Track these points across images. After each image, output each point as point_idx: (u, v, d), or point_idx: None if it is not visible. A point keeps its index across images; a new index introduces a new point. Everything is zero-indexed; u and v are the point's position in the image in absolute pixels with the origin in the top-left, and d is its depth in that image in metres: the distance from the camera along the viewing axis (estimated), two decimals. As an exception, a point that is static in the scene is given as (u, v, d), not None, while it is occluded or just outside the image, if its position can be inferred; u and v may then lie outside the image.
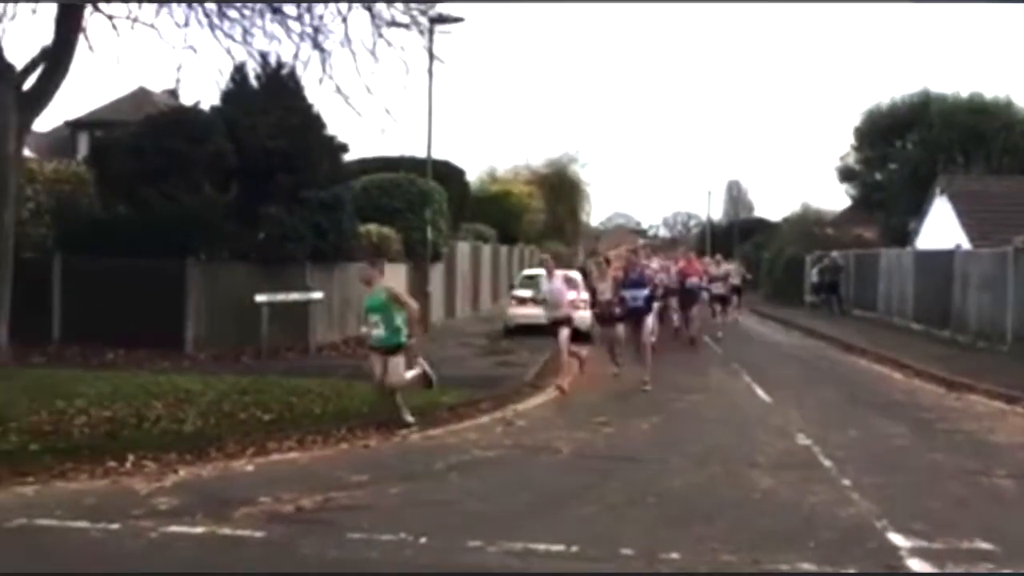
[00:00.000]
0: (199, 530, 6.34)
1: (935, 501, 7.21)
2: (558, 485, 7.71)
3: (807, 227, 39.66)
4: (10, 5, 12.06)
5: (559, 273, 13.75)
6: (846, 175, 41.57)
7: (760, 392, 13.11)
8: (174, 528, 6.37)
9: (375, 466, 8.29)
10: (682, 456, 8.80)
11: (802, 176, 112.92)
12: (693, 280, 19.98)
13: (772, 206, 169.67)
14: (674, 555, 5.79)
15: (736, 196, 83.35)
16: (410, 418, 9.93)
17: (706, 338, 20.11)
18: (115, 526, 6.40)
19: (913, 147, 37.05)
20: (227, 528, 6.38)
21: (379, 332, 9.91)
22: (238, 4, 12.44)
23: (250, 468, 8.30)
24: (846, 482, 7.75)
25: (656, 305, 16.15)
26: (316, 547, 6.00)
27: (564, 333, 13.07)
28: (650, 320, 14.41)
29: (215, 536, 6.23)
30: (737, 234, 54.19)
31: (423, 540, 6.08)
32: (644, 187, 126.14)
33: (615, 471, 8.20)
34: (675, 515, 6.79)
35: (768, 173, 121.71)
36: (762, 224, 55.83)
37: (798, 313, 29.17)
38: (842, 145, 49.00)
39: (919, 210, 28.53)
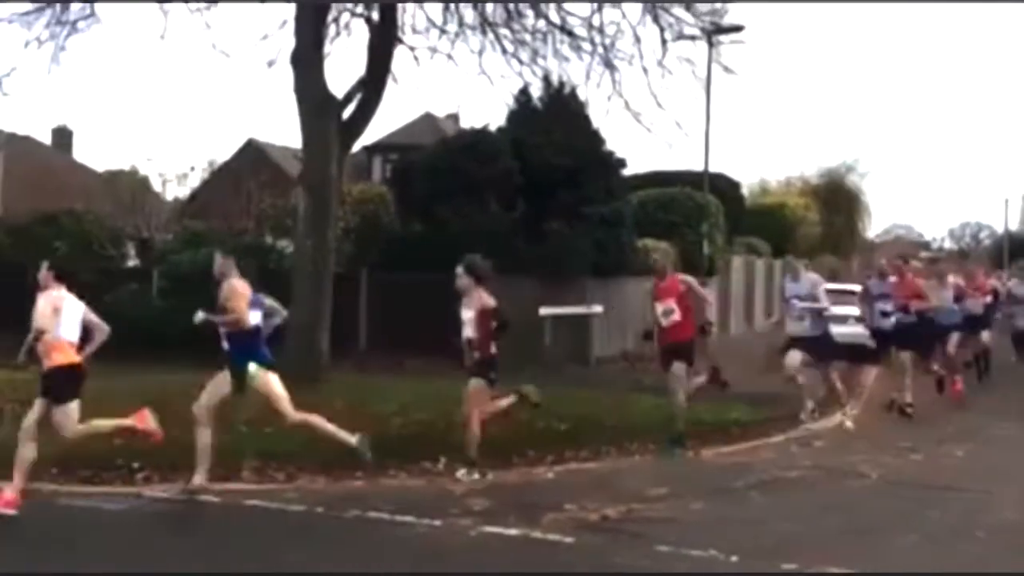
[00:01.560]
0: (513, 532, 6.63)
1: None
2: (871, 511, 7.34)
3: None
4: (328, 43, 13.38)
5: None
6: None
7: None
8: (490, 528, 6.71)
9: (672, 480, 8.28)
10: (1007, 487, 8.09)
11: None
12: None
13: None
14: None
15: (1037, 204, 75.52)
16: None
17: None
18: (437, 523, 6.85)
19: None
20: (538, 532, 6.62)
21: None
22: (530, 28, 12.96)
23: (551, 475, 8.58)
24: None
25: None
26: (627, 557, 6.10)
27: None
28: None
29: (528, 539, 6.50)
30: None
31: (734, 559, 5.99)
32: (928, 196, 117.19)
33: (931, 500, 7.68)
34: (1006, 549, 6.25)
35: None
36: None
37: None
38: None
39: None
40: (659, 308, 9.68)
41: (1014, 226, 66.31)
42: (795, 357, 10.67)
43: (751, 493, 7.91)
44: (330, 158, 12.15)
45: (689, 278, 10.27)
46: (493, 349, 8.53)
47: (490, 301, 8.47)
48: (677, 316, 9.53)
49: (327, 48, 13.11)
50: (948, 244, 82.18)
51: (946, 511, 7.31)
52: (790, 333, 11.03)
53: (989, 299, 15.88)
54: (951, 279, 14.14)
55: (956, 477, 8.52)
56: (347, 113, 12.67)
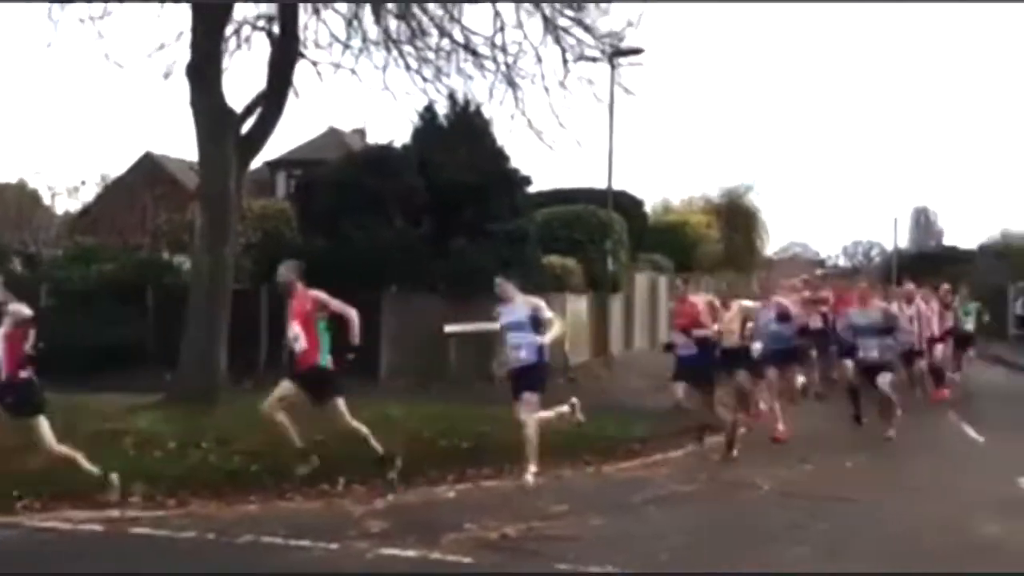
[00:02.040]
0: (410, 553, 6.54)
1: None
2: (764, 523, 7.50)
3: (1009, 256, 37.14)
4: (227, 56, 13.12)
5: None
6: (1052, 199, 38.67)
7: (969, 430, 12.30)
8: (387, 551, 6.60)
9: (573, 497, 8.32)
10: (895, 497, 8.38)
11: (1000, 200, 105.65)
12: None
13: (965, 233, 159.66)
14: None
15: (924, 223, 79.14)
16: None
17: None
18: (334, 546, 6.71)
19: None
20: (437, 553, 6.54)
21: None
22: (434, 46, 12.97)
23: (452, 494, 8.53)
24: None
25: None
26: (525, 576, 6.09)
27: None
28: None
29: (426, 560, 6.41)
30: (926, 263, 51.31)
31: (629, 570, 6.05)
32: (823, 215, 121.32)
33: (822, 510, 7.90)
34: (895, 558, 6.46)
35: (960, 198, 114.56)
36: (955, 253, 52.69)
37: (1003, 348, 27.20)
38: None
39: None
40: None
41: (903, 244, 69.42)
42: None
43: (649, 508, 8.00)
44: (228, 172, 11.88)
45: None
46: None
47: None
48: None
49: (226, 61, 12.85)
50: (842, 261, 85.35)
51: (836, 522, 7.51)
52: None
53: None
54: (777, 298, 12.20)
55: (847, 488, 8.79)
56: (246, 127, 12.42)
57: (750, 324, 11.58)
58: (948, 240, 68.81)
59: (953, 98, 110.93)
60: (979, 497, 8.35)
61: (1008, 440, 11.50)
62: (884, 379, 11.29)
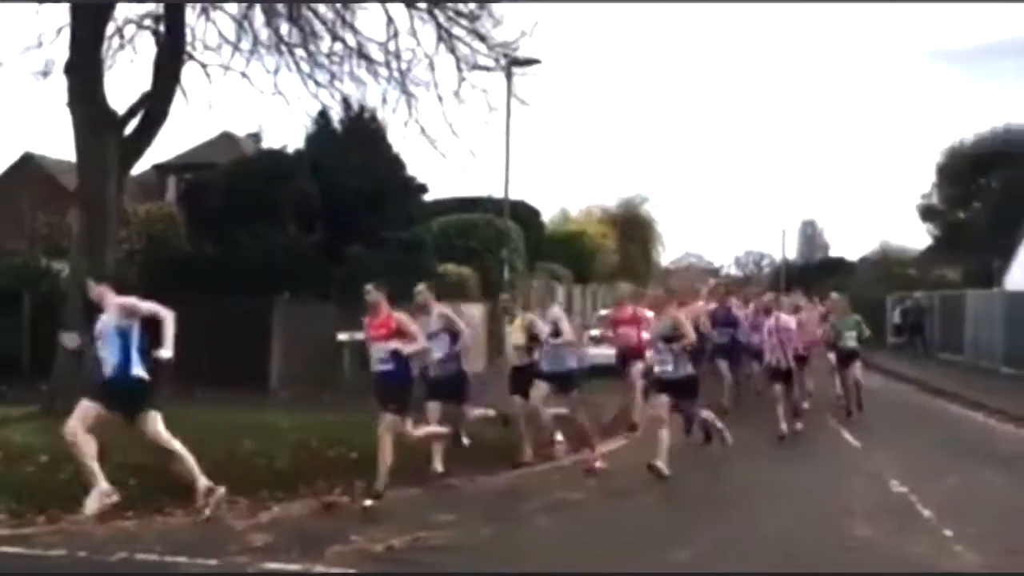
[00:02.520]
0: (294, 567, 6.40)
1: (1045, 554, 6.92)
2: (649, 528, 7.62)
3: (887, 267, 38.85)
4: (109, 55, 12.67)
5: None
6: (927, 214, 40.74)
7: (848, 436, 12.78)
8: (270, 565, 6.45)
9: (461, 506, 8.29)
10: (774, 501, 8.62)
11: (880, 215, 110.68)
12: None
13: (849, 245, 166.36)
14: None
15: (811, 235, 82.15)
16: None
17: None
18: (213, 562, 6.51)
19: (998, 185, 36.15)
20: (320, 566, 6.43)
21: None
22: (326, 51, 12.80)
23: (339, 505, 8.36)
24: (948, 532, 7.48)
25: None
26: (409, 587, 6.02)
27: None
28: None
29: (310, 574, 6.29)
30: (812, 273, 53.31)
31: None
32: (716, 226, 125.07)
33: (706, 517, 8.07)
34: (774, 562, 6.64)
35: (844, 211, 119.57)
36: (839, 264, 54.87)
37: (880, 355, 28.40)
38: (923, 183, 48.14)
39: (1005, 249, 27.73)
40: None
41: (791, 255, 71.97)
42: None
43: (538, 516, 8.03)
44: (108, 175, 11.44)
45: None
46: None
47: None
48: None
49: (108, 60, 12.42)
50: (734, 271, 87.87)
51: (717, 526, 7.68)
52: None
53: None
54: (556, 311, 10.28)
55: (728, 494, 9.00)
56: (129, 129, 11.99)
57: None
58: (833, 252, 71.62)
59: (840, 117, 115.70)
60: (854, 500, 8.67)
61: (884, 445, 11.99)
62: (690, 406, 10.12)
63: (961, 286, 29.98)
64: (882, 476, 9.87)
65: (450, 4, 12.37)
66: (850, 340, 14.80)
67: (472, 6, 12.34)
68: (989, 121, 62.32)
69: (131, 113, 12.07)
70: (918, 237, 60.93)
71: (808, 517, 8.04)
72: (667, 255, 62.19)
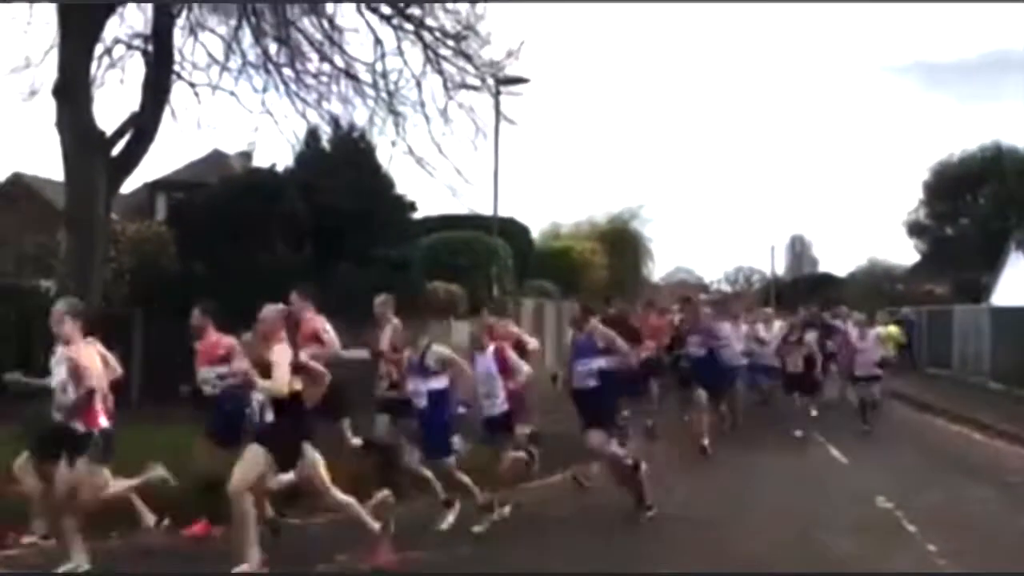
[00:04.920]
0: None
1: (1027, 569, 6.98)
2: (641, 548, 7.65)
3: (876, 282, 39.06)
4: (98, 75, 12.73)
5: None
6: (915, 229, 41.03)
7: (835, 452, 12.83)
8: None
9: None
10: (755, 518, 8.67)
11: (868, 230, 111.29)
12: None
13: (837, 261, 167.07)
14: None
15: (800, 251, 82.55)
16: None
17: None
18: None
19: (985, 201, 36.45)
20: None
21: None
22: (314, 71, 12.90)
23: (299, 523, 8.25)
24: (931, 547, 7.53)
25: None
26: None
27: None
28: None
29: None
30: (802, 289, 53.49)
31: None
32: (707, 242, 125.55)
33: (693, 533, 8.11)
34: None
35: (833, 227, 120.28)
36: (828, 279, 55.08)
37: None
38: (910, 199, 48.51)
39: (992, 265, 27.93)
40: None
41: (781, 270, 72.25)
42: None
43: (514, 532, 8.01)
44: (96, 195, 11.49)
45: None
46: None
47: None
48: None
49: (97, 80, 12.48)
50: (724, 286, 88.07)
51: (698, 547, 7.72)
52: None
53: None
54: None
55: (715, 510, 9.05)
56: (117, 149, 12.04)
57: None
58: (822, 267, 71.94)
59: (828, 134, 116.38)
60: (842, 517, 8.71)
61: (867, 460, 12.05)
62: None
63: (948, 301, 30.16)
64: (866, 492, 9.89)
65: (436, 26, 12.49)
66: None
67: (458, 27, 12.45)
68: (975, 139, 63.10)
69: (119, 133, 12.14)
70: (905, 253, 61.47)
71: (791, 533, 8.05)
72: (658, 271, 62.42)
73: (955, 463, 12.16)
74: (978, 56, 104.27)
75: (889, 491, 9.82)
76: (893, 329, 15.55)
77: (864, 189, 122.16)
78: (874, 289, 37.44)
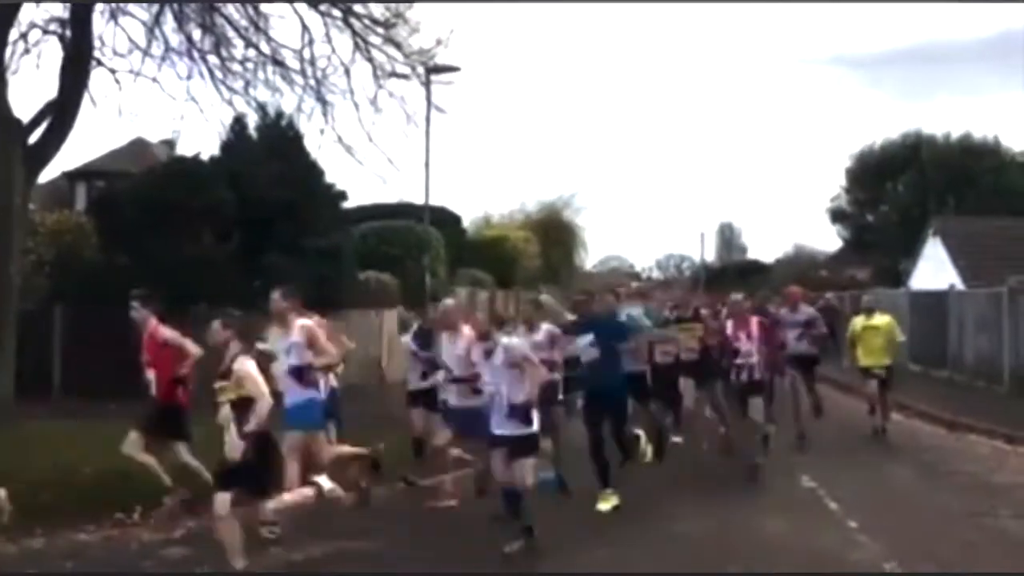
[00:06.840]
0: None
1: (943, 543, 7.25)
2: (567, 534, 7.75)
3: (800, 269, 39.96)
4: (14, 60, 12.31)
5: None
6: (837, 216, 42.04)
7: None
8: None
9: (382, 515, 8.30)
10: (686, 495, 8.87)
11: (794, 217, 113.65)
12: None
13: (765, 248, 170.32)
14: None
15: (729, 238, 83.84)
16: None
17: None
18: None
19: (904, 188, 37.53)
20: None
21: None
22: (240, 58, 12.67)
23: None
24: (853, 524, 7.78)
25: None
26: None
27: None
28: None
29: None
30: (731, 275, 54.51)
31: None
32: (638, 229, 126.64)
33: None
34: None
35: (760, 215, 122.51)
36: (756, 266, 56.20)
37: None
38: (833, 186, 49.66)
39: (911, 251, 28.81)
40: None
41: (710, 257, 73.49)
42: None
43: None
44: (13, 184, 11.13)
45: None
46: None
47: None
48: None
49: (12, 66, 12.06)
50: (655, 274, 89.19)
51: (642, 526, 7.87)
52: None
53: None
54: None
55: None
56: (34, 137, 11.67)
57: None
58: (750, 254, 73.29)
59: (756, 125, 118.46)
60: (765, 493, 8.94)
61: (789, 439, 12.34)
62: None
63: (870, 286, 31.01)
64: (790, 469, 10.13)
65: (364, 13, 12.37)
66: None
67: (387, 15, 12.35)
68: (895, 128, 64.82)
69: (36, 121, 11.76)
70: (829, 239, 63.04)
71: (722, 513, 8.23)
72: (590, 259, 62.91)
73: (875, 442, 12.52)
74: (907, 48, 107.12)
75: (811, 470, 10.09)
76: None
77: (790, 177, 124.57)
78: (799, 275, 38.25)
